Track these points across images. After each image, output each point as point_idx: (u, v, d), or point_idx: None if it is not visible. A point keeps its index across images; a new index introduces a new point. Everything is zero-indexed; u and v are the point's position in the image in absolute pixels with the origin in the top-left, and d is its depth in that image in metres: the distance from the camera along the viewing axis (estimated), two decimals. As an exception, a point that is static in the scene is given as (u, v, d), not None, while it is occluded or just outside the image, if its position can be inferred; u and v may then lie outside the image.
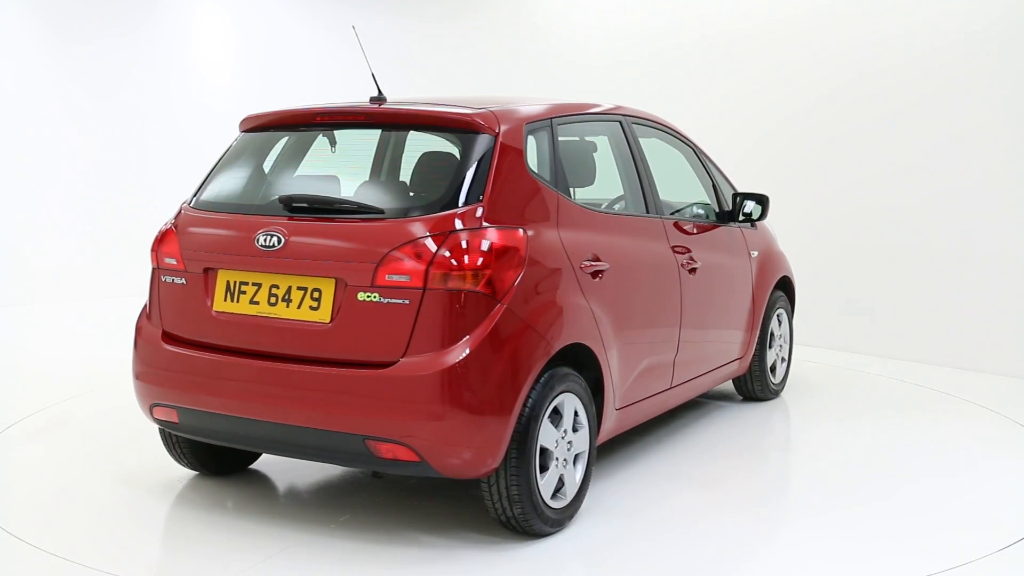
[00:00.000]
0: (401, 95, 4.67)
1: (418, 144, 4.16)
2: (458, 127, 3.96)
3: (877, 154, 7.78)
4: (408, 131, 4.21)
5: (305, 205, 3.89)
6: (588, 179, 4.74)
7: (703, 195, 5.65)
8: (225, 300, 3.91)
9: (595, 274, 4.17)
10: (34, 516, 4.13)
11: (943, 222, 7.42)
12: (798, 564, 3.81)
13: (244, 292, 3.87)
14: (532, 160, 4.11)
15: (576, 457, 4.09)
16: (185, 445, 4.42)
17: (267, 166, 4.28)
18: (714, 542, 3.97)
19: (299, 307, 3.75)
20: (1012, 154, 7.09)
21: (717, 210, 5.61)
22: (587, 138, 4.91)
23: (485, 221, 3.72)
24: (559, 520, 3.96)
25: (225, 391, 3.86)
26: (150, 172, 9.89)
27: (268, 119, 4.29)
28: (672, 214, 5.43)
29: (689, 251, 5.03)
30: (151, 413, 4.14)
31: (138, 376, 4.15)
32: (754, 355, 5.96)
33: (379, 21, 10.93)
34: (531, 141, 4.14)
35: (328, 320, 3.69)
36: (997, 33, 7.17)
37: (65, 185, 9.68)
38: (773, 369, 6.22)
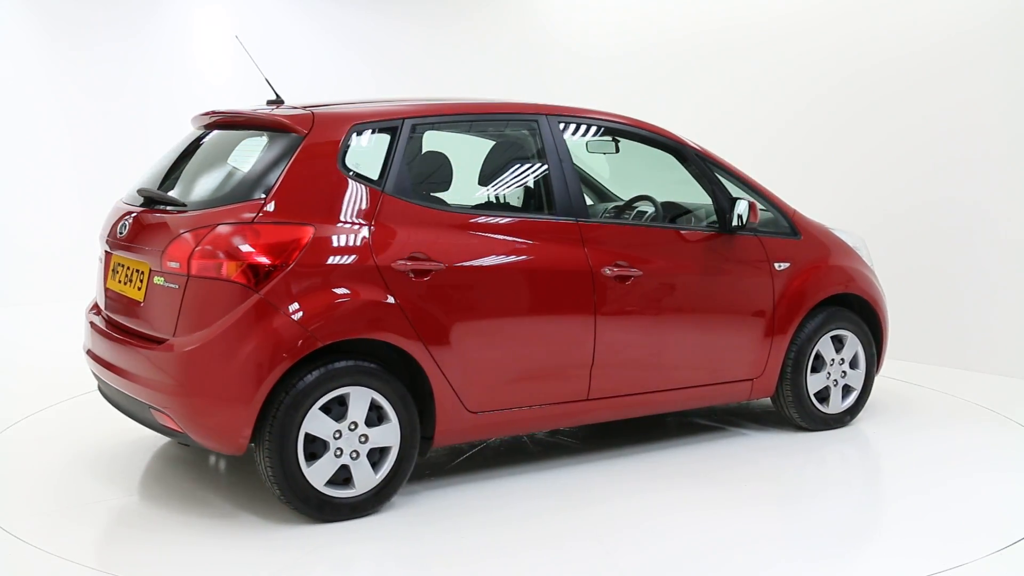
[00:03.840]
0: (396, 95, 4.97)
1: (253, 144, 4.45)
2: (274, 128, 4.25)
3: (877, 154, 7.66)
4: (248, 132, 4.51)
5: (147, 197, 4.43)
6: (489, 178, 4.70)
7: (701, 199, 5.21)
8: (110, 279, 4.57)
9: (419, 273, 4.18)
10: (34, 516, 4.17)
11: (943, 221, 7.28)
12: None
13: (117, 272, 4.50)
14: (358, 160, 4.25)
15: (381, 452, 4.16)
16: None
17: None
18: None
19: (134, 287, 4.29)
20: (1014, 154, 6.89)
21: (722, 216, 5.14)
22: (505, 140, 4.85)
23: (263, 216, 3.97)
24: (337, 508, 4.08)
25: (101, 360, 4.51)
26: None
27: (197, 121, 4.84)
28: (680, 219, 5.15)
29: (624, 257, 4.72)
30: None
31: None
32: (785, 379, 5.34)
33: (380, 22, 10.83)
34: (360, 141, 4.26)
35: (142, 300, 4.19)
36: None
37: (66, 185, 9.61)
38: (824, 397, 5.50)
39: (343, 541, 3.95)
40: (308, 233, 3.99)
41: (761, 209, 5.34)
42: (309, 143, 4.13)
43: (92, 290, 4.92)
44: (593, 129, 5.05)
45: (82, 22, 9.63)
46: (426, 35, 11.12)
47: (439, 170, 4.53)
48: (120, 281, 4.42)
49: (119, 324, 4.43)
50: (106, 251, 4.65)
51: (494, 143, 4.85)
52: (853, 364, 5.59)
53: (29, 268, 9.40)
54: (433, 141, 4.71)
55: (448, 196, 4.66)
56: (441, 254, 4.25)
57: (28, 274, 9.39)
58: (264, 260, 3.91)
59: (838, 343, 5.52)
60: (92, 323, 4.68)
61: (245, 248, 3.91)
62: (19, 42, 9.38)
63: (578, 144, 5.37)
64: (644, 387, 4.90)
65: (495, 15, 10.95)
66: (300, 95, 5.42)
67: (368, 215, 4.15)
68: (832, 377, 5.51)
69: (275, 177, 4.05)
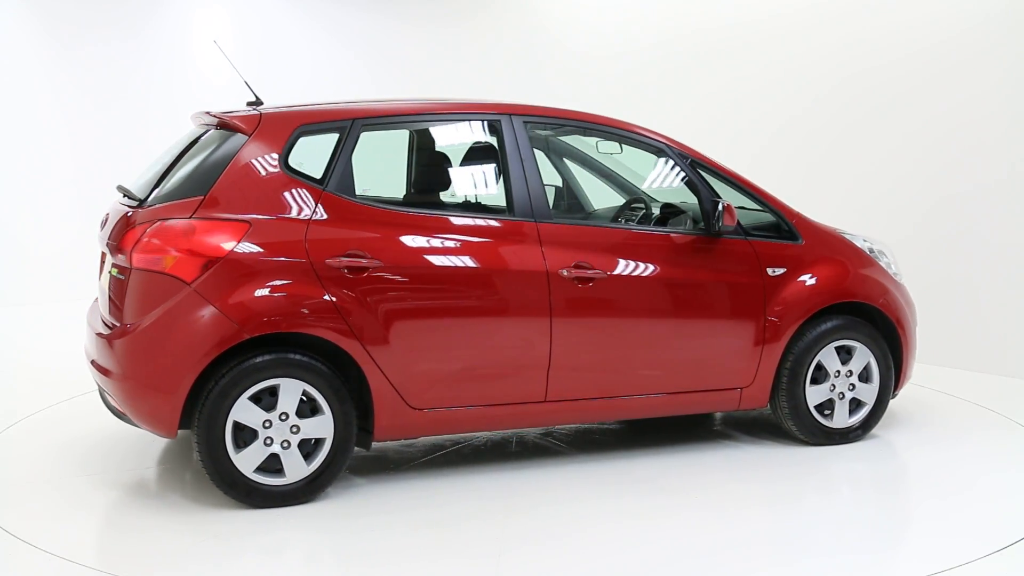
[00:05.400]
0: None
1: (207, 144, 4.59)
2: (227, 128, 4.40)
3: (877, 153, 7.64)
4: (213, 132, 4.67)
5: (124, 194, 4.68)
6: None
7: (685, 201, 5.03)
8: (102, 272, 4.87)
9: (354, 270, 4.26)
10: (34, 516, 4.19)
11: (943, 221, 7.26)
12: None
13: (102, 266, 4.80)
14: (303, 159, 4.36)
15: (316, 443, 4.26)
16: None
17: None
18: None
19: (105, 279, 4.56)
20: (1014, 153, 6.85)
21: (707, 218, 4.95)
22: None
23: (200, 212, 4.15)
24: (267, 495, 4.20)
25: (88, 353, 4.78)
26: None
27: (192, 122, 5.09)
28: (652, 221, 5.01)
29: (586, 258, 4.63)
30: None
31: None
32: (780, 389, 5.09)
33: (380, 23, 10.75)
34: (306, 141, 4.37)
35: (108, 290, 4.47)
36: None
37: (66, 185, 9.60)
38: (827, 410, 5.19)
39: (269, 529, 4.03)
40: (243, 229, 4.14)
41: (756, 210, 5.13)
42: (252, 142, 4.28)
43: (93, 289, 5.21)
44: (564, 130, 4.98)
45: (82, 22, 9.67)
46: (426, 36, 11.11)
47: (390, 170, 4.59)
48: (102, 274, 4.72)
49: (101, 316, 4.73)
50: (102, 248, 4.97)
51: (452, 144, 4.87)
52: (866, 378, 5.27)
53: (29, 268, 9.41)
54: (385, 141, 4.78)
55: (397, 195, 4.72)
56: (380, 253, 4.31)
57: (28, 274, 9.40)
58: (198, 254, 4.09)
59: (846, 354, 5.21)
60: (88, 318, 5.01)
61: (180, 242, 4.10)
62: (19, 42, 9.43)
63: (567, 145, 5.33)
64: (609, 391, 4.77)
65: (495, 16, 10.92)
66: (298, 96, 5.56)
67: (307, 213, 4.26)
68: (837, 390, 5.20)
69: (214, 175, 4.22)
